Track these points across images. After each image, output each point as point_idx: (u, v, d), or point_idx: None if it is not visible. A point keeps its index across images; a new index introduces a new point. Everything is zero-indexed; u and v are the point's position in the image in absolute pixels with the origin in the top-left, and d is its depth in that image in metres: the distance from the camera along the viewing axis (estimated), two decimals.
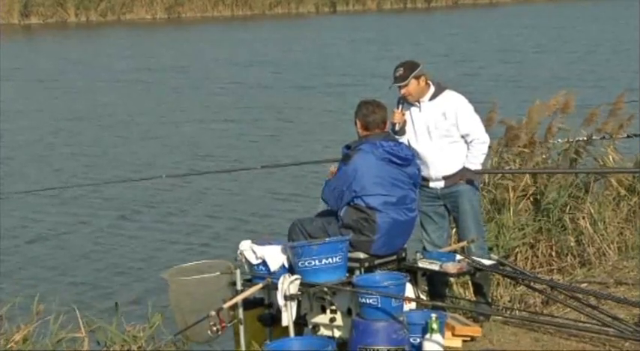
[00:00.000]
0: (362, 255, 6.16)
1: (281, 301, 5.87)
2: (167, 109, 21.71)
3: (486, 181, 8.80)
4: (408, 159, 6.30)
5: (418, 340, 5.69)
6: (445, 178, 6.78)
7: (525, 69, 26.17)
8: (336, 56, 31.10)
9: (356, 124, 6.38)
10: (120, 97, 23.84)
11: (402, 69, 6.69)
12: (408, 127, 6.81)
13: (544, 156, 9.25)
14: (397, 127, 6.75)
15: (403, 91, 6.70)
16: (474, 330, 6.25)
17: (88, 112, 21.75)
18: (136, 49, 35.42)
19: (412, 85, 6.69)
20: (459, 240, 6.92)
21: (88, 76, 28.05)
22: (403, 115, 6.78)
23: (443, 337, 5.69)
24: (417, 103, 6.78)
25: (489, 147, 7.17)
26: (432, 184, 6.80)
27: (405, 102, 6.80)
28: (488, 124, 8.48)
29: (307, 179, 13.75)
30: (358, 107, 6.39)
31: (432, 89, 6.78)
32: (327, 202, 6.30)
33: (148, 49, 35.34)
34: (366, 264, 6.15)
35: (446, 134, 6.72)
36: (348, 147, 6.33)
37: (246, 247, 6.20)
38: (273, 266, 6.09)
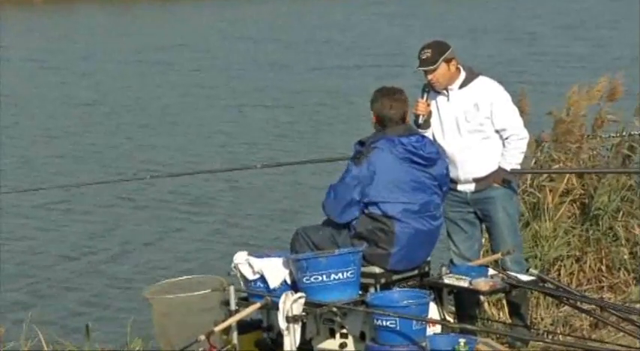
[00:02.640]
0: (377, 269, 6.13)
1: (282, 324, 5.85)
2: (186, 94, 21.80)
3: (528, 182, 8.75)
4: (432, 158, 6.25)
5: None
6: (476, 180, 6.73)
7: (600, 48, 25.78)
8: (369, 33, 30.99)
9: (373, 116, 6.33)
10: (127, 82, 23.94)
11: (429, 51, 6.63)
12: (434, 120, 6.76)
13: (593, 152, 9.19)
14: (421, 120, 6.70)
15: (430, 76, 6.65)
16: None
17: (96, 98, 21.87)
18: (124, 26, 35.56)
19: (441, 70, 6.63)
20: (492, 252, 6.89)
21: (80, 57, 28.12)
22: (428, 105, 6.73)
23: None
24: (444, 92, 6.73)
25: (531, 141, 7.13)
26: (460, 187, 6.76)
27: (431, 90, 6.75)
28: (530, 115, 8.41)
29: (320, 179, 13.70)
30: (374, 96, 6.33)
31: (463, 75, 6.72)
32: (328, 214, 6.25)
33: (140, 26, 35.50)
34: (383, 280, 6.13)
35: (478, 129, 6.67)
36: (361, 143, 6.28)
37: (241, 259, 6.19)
38: (273, 282, 6.07)
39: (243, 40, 30.66)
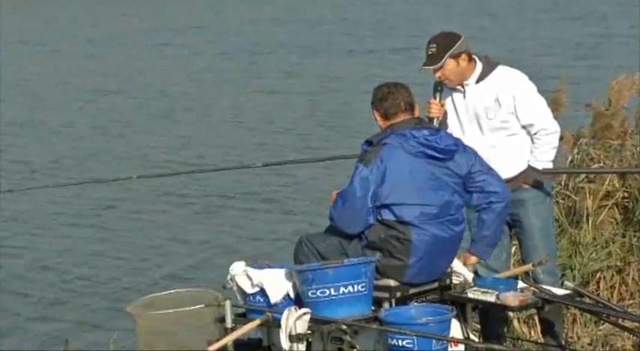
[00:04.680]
0: (392, 282, 6.11)
1: (285, 343, 5.84)
2: (201, 81, 21.96)
3: (563, 183, 8.73)
4: (449, 150, 6.18)
5: None
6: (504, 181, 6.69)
7: None
8: (402, 13, 31.07)
9: (375, 116, 6.33)
10: (138, 68, 24.11)
11: (434, 46, 6.63)
12: (451, 119, 6.79)
13: (636, 149, 9.18)
14: (435, 123, 6.68)
15: (438, 74, 6.67)
16: None
17: (109, 87, 22.05)
18: (119, 7, 35.71)
19: (449, 67, 6.63)
20: (523, 262, 6.89)
21: (85, 41, 28.33)
22: (442, 105, 6.70)
23: None
24: (460, 88, 6.72)
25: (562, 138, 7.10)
26: None
27: (445, 87, 6.72)
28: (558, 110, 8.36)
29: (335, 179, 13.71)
30: (373, 95, 6.34)
31: (479, 67, 6.71)
32: (336, 224, 6.22)
33: (142, 5, 35.67)
34: (398, 294, 6.10)
35: (502, 126, 6.69)
36: (369, 142, 6.25)
37: (238, 270, 6.17)
38: (275, 296, 6.06)
39: (259, 22, 30.82)
